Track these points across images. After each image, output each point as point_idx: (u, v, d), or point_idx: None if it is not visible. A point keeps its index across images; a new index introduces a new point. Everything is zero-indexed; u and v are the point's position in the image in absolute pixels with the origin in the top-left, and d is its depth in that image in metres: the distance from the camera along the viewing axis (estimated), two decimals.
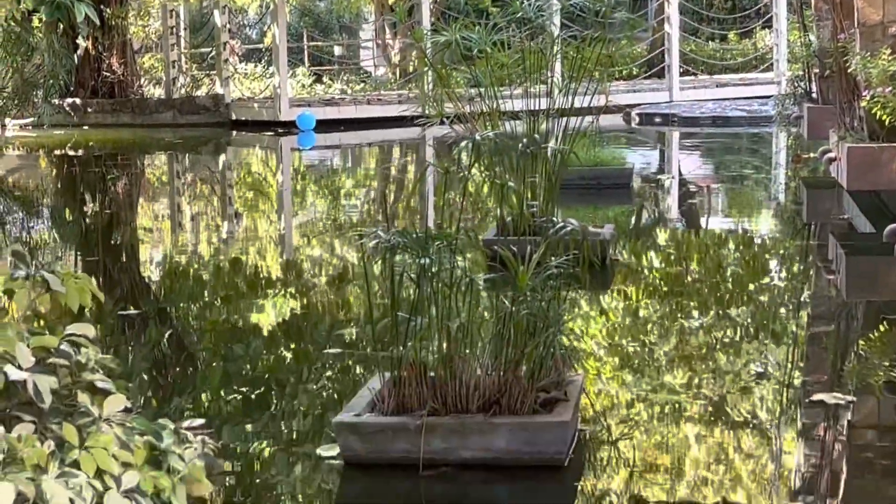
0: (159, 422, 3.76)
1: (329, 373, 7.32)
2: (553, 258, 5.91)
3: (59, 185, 18.58)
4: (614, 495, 5.26)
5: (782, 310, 8.72)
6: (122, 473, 3.44)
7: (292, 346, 8.06)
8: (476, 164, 7.19)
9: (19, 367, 3.62)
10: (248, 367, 7.46)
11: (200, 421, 3.80)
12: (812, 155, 15.75)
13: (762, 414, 6.34)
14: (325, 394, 6.90)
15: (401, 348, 5.65)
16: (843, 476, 5.51)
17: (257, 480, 5.57)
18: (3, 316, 4.00)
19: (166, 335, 8.32)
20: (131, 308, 9.13)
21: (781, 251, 11.16)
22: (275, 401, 6.78)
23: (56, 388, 3.69)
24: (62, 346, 3.81)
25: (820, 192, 14.09)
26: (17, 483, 3.17)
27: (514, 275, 5.67)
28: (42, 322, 7.29)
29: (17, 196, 17.06)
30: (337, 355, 7.56)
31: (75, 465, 3.38)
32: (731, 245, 11.37)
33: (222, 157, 21.86)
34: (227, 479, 5.49)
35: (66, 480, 3.29)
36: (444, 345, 5.62)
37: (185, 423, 3.79)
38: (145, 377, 7.34)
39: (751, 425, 6.16)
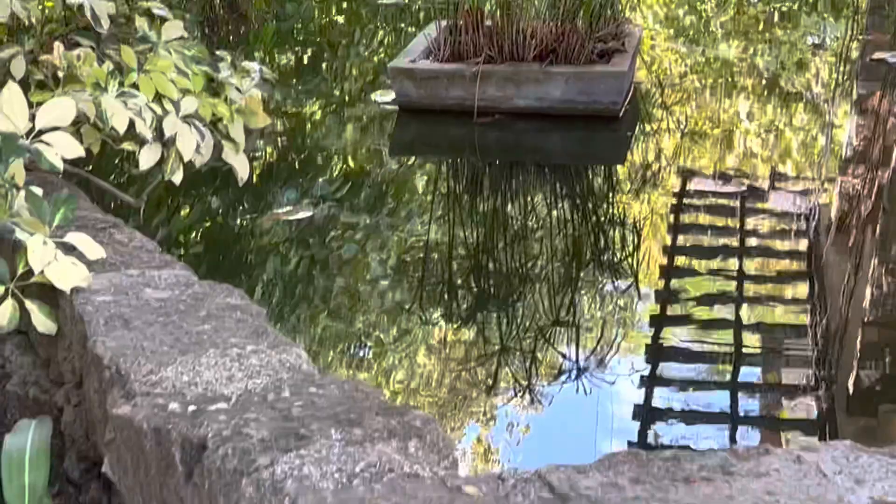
0: (217, 53, 3.72)
1: (383, 30, 7.24)
2: None
3: None
4: (667, 149, 5.26)
5: None
6: (181, 99, 3.41)
7: (345, 3, 7.94)
8: None
9: None
10: (300, 24, 7.37)
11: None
12: None
13: (823, 71, 6.27)
14: (381, 46, 6.85)
15: None
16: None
17: (314, 122, 5.61)
18: None
19: None
20: None
21: None
22: (330, 52, 6.74)
23: (113, 14, 3.64)
24: None
25: None
26: (78, 100, 3.15)
27: None
28: None
29: None
30: (391, 7, 7.46)
31: (134, 88, 3.35)
32: None
33: None
34: (283, 120, 5.53)
35: (126, 101, 3.27)
36: None
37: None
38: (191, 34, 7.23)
39: (811, 82, 6.10)
